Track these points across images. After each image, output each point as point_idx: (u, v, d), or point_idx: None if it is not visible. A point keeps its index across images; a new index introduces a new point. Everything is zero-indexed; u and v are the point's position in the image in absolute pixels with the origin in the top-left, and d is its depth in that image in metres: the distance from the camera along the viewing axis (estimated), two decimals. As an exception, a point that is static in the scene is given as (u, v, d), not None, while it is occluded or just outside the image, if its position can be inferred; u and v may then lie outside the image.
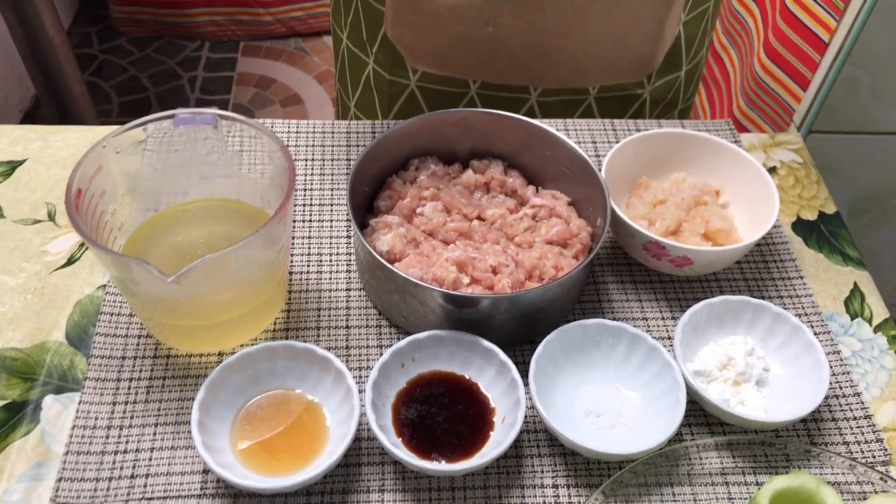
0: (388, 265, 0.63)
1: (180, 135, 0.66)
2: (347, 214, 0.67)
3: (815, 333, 0.70)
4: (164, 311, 0.61)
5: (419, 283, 0.62)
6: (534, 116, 0.90)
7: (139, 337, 0.67)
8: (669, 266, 0.70)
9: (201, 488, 0.59)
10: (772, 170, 0.84)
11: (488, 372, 0.63)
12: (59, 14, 1.73)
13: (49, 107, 1.83)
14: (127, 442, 0.61)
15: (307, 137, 0.84)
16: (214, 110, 0.65)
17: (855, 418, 0.64)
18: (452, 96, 0.90)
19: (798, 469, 0.61)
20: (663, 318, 0.71)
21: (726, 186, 0.76)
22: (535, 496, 0.59)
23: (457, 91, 0.90)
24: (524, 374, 0.62)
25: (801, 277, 0.74)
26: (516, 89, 0.89)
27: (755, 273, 0.74)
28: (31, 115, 2.13)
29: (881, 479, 0.58)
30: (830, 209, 0.81)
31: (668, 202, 0.74)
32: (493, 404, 0.62)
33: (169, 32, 2.47)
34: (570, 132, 0.86)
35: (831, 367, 0.67)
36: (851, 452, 0.63)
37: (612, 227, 0.73)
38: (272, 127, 0.84)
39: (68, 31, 2.45)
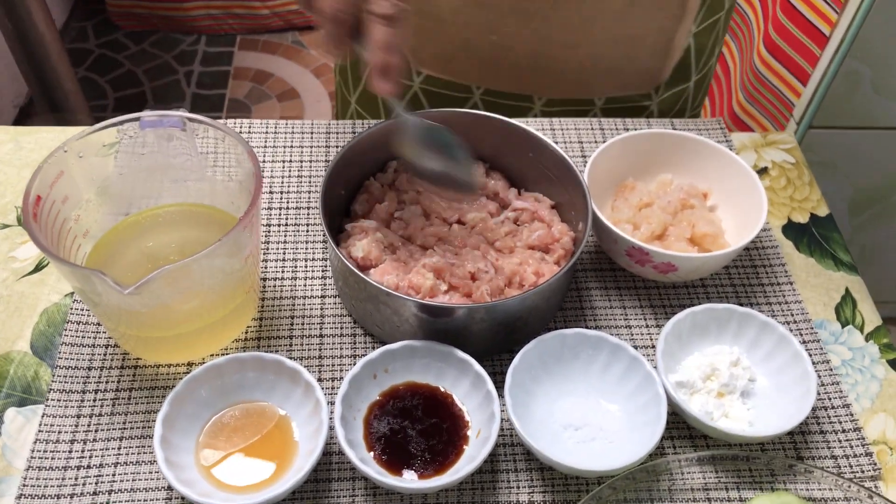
0: (361, 274, 0.61)
1: (149, 138, 0.64)
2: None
3: (804, 342, 0.67)
4: (129, 322, 0.59)
5: (392, 292, 0.60)
6: None
7: (106, 346, 0.65)
8: (653, 272, 0.68)
9: (165, 505, 0.57)
10: (763, 170, 0.82)
11: (463, 384, 0.61)
12: (50, 11, 1.71)
13: (42, 104, 1.82)
14: (91, 457, 0.59)
15: (285, 138, 0.82)
16: (181, 112, 0.63)
17: (844, 431, 0.62)
18: (456, 101, 0.88)
19: (783, 485, 0.59)
20: (647, 326, 0.68)
21: (715, 188, 0.74)
22: (511, 513, 0.57)
23: (460, 96, 0.88)
24: (502, 386, 0.60)
25: (791, 283, 0.72)
26: (521, 97, 0.87)
27: (743, 279, 0.72)
28: (27, 111, 2.12)
29: (868, 496, 0.56)
30: (823, 211, 0.78)
31: (653, 205, 0.72)
32: (467, 418, 0.60)
33: (165, 26, 2.45)
34: (555, 131, 0.84)
35: (820, 377, 0.65)
36: (840, 467, 0.60)
37: (595, 232, 0.71)
38: (250, 128, 0.82)
39: (64, 26, 2.43)
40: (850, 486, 0.56)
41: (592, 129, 0.84)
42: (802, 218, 0.78)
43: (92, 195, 0.63)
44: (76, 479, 0.58)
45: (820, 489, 0.59)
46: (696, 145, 0.74)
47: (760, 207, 0.68)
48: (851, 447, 0.61)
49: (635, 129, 0.83)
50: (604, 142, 0.83)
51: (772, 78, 1.47)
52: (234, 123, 0.82)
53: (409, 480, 0.56)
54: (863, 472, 0.60)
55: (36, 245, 0.53)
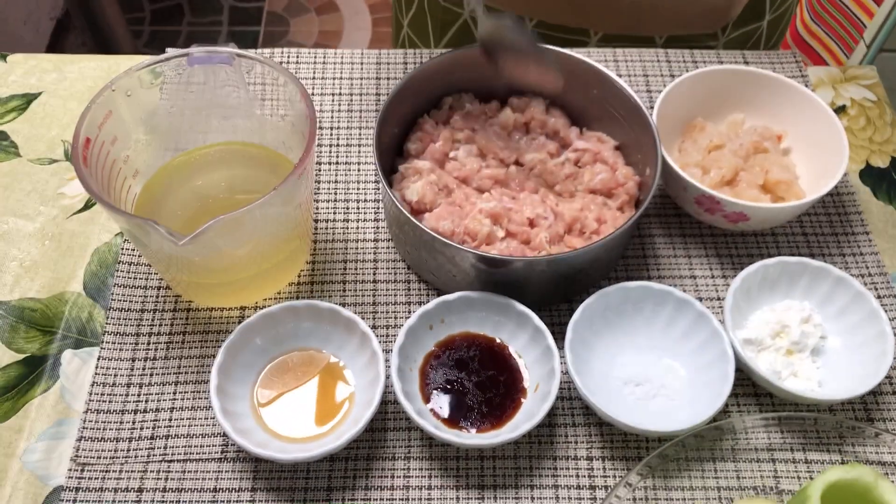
0: (416, 221, 0.59)
1: (197, 74, 0.61)
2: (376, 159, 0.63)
3: (880, 297, 0.64)
4: (181, 268, 0.58)
5: (448, 241, 0.58)
6: None
7: (158, 288, 0.64)
8: (723, 221, 0.64)
9: (222, 451, 0.57)
10: (840, 109, 0.77)
11: (521, 337, 0.59)
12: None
13: (78, 17, 1.78)
14: (147, 401, 0.59)
15: (335, 68, 0.78)
16: (231, 49, 0.60)
17: (918, 392, 0.60)
18: None
19: (852, 447, 0.57)
20: (713, 277, 0.66)
21: (789, 130, 0.70)
22: (569, 468, 0.57)
23: None
24: (559, 338, 0.58)
25: (867, 233, 0.68)
26: (574, 31, 0.81)
27: (815, 227, 0.68)
28: (64, 24, 2.08)
29: (944, 464, 0.54)
30: (905, 155, 0.74)
31: (724, 148, 0.68)
32: (525, 371, 0.59)
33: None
34: (619, 63, 0.79)
35: None
36: (911, 430, 0.58)
37: (662, 177, 0.67)
38: (298, 57, 0.79)
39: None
40: (922, 452, 0.54)
41: (658, 61, 0.79)
42: (882, 162, 0.73)
43: (140, 134, 0.61)
44: (133, 422, 0.58)
45: (891, 453, 0.57)
46: (771, 83, 0.69)
47: (840, 152, 0.64)
48: (925, 410, 0.59)
49: (704, 63, 0.78)
50: (670, 75, 0.78)
51: (842, -5, 1.38)
52: (283, 53, 0.79)
53: (467, 435, 0.55)
54: (936, 436, 0.58)
55: (88, 192, 0.52)
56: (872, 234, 0.68)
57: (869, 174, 0.72)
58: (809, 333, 0.60)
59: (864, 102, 0.77)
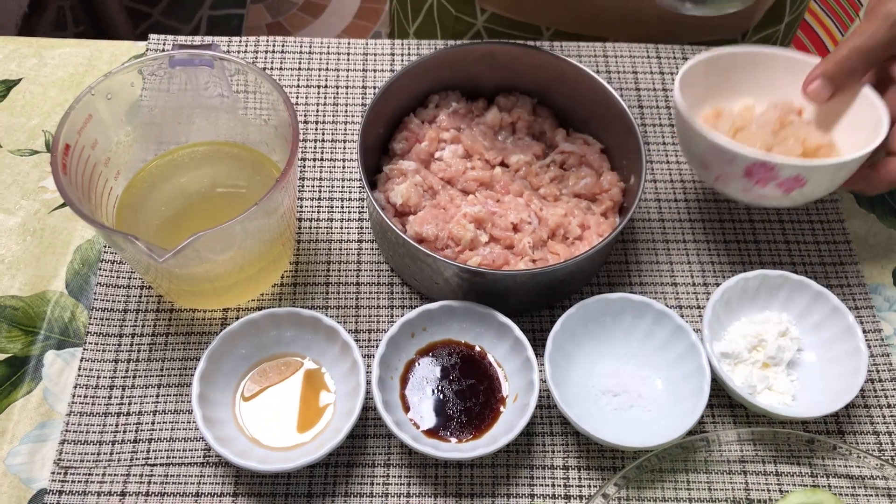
0: (399, 231, 0.59)
1: (179, 74, 0.60)
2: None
3: (857, 308, 0.65)
4: (162, 275, 0.58)
5: (430, 253, 0.58)
6: None
7: (141, 288, 0.64)
8: (775, 193, 0.59)
9: (204, 456, 0.58)
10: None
11: (502, 347, 0.60)
12: None
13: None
14: (130, 404, 0.59)
15: (321, 59, 0.77)
16: (213, 52, 0.59)
17: (889, 406, 0.61)
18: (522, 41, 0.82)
19: (822, 460, 0.58)
20: (694, 285, 0.66)
21: (805, 105, 0.65)
22: (545, 477, 0.58)
23: (527, 37, 0.81)
24: (540, 344, 0.59)
25: (848, 242, 0.68)
26: (594, 39, 0.80)
27: (798, 235, 0.69)
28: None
29: (909, 481, 0.55)
30: (890, 161, 0.73)
31: (750, 127, 0.64)
32: (505, 381, 0.59)
33: None
34: (608, 59, 0.78)
35: (870, 347, 0.63)
36: (881, 444, 0.59)
37: (692, 161, 0.64)
38: (283, 47, 0.77)
39: None
40: (884, 467, 0.56)
41: (648, 57, 0.78)
42: (867, 169, 0.73)
43: (122, 136, 0.61)
44: (116, 425, 0.58)
45: (859, 467, 0.58)
46: (781, 62, 0.65)
47: (871, 110, 0.60)
48: None
49: (697, 53, 0.77)
50: (660, 72, 0.78)
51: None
52: (268, 42, 0.77)
53: (445, 447, 0.56)
54: (904, 450, 0.59)
55: (67, 202, 0.51)
56: (853, 244, 0.68)
57: (853, 181, 0.72)
58: (786, 347, 0.60)
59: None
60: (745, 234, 0.69)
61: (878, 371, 0.62)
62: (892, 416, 0.61)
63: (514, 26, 0.81)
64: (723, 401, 0.61)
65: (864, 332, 0.63)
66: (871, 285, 0.67)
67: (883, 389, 0.62)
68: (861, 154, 0.57)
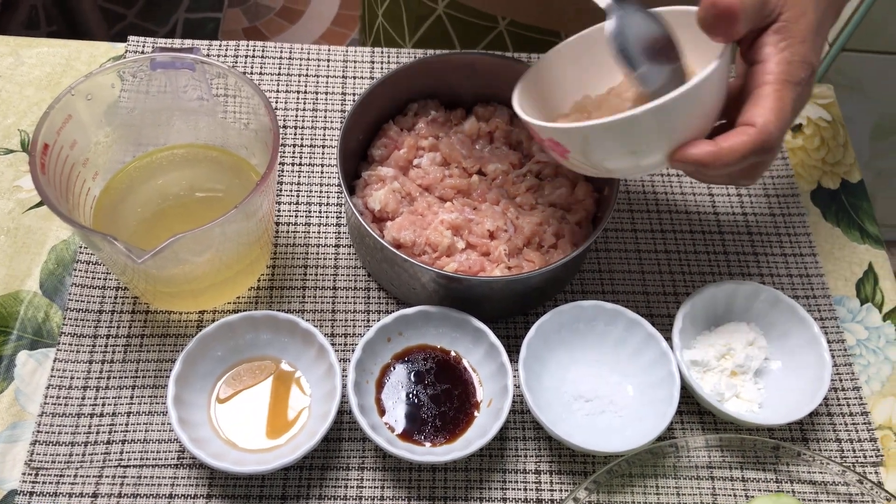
0: (377, 236, 0.59)
1: (159, 76, 0.61)
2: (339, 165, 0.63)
3: (822, 319, 0.67)
4: (139, 276, 0.58)
5: (407, 258, 0.59)
6: None
7: (117, 289, 0.64)
8: (562, 160, 0.53)
9: (178, 457, 0.58)
10: (798, 127, 0.79)
11: (477, 353, 0.61)
12: None
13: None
14: (103, 405, 0.59)
15: (301, 65, 0.78)
16: (195, 55, 0.59)
17: (851, 414, 0.63)
18: (480, 29, 0.83)
19: (787, 467, 0.60)
20: (665, 294, 0.67)
21: None
22: (517, 482, 0.59)
23: (485, 24, 0.82)
24: (514, 350, 0.60)
25: (814, 255, 0.70)
26: (549, 32, 0.81)
27: (766, 248, 0.70)
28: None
29: (872, 488, 0.57)
30: (855, 177, 0.76)
31: (610, 100, 0.57)
32: (479, 386, 0.60)
33: None
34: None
35: (834, 357, 0.65)
36: (843, 451, 0.61)
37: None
38: (263, 52, 0.78)
39: None
40: (845, 473, 0.57)
41: (623, 71, 0.80)
42: (833, 184, 0.75)
43: (101, 137, 0.61)
44: (89, 426, 0.58)
45: (821, 473, 0.60)
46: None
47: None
48: (857, 431, 0.62)
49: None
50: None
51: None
52: (248, 46, 0.78)
53: (420, 451, 0.57)
54: (865, 457, 0.61)
55: (45, 202, 0.51)
56: (819, 256, 0.70)
57: (820, 195, 0.74)
58: (753, 356, 0.62)
59: (820, 122, 0.79)
60: (715, 246, 0.70)
61: (840, 380, 0.64)
62: (853, 423, 0.62)
63: (472, 13, 0.82)
64: (692, 407, 0.62)
65: (829, 342, 0.65)
66: (836, 297, 0.69)
67: (846, 398, 0.63)
68: (628, 115, 0.44)
